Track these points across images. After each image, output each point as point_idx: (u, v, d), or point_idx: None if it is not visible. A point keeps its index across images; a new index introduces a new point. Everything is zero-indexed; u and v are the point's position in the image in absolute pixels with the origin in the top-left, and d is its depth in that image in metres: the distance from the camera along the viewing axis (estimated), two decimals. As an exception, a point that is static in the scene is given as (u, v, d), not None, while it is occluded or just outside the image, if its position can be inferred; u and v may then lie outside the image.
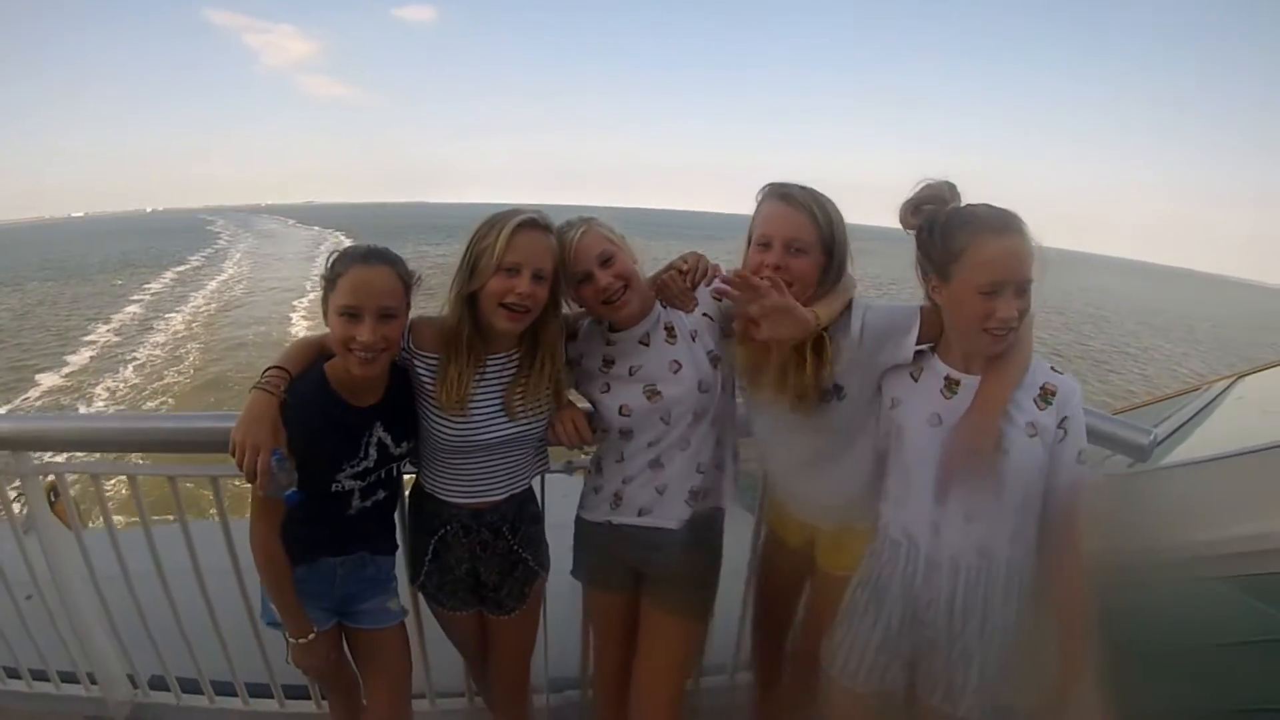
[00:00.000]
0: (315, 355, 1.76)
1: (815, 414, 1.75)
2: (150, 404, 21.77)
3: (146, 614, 2.49)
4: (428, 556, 1.97)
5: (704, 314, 1.91)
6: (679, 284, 1.85)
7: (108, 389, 23.14)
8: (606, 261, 1.77)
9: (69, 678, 2.71)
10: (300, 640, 1.80)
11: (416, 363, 1.83)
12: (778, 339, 1.60)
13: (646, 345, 1.88)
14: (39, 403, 22.03)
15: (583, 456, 2.14)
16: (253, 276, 51.03)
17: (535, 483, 2.12)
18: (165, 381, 23.81)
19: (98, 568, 2.45)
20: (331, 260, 1.68)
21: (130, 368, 25.49)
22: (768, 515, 2.25)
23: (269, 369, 1.69)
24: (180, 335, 30.67)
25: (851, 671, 1.71)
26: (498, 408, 1.84)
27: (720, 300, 1.88)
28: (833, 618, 1.86)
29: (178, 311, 36.33)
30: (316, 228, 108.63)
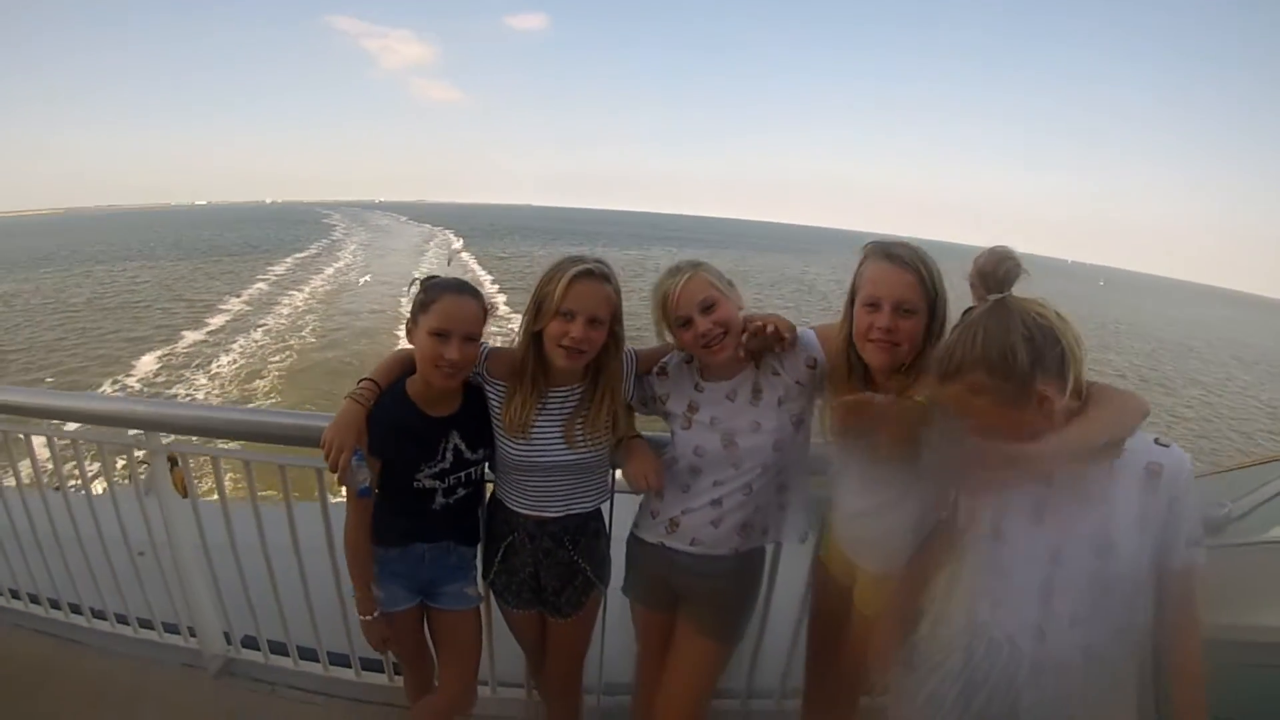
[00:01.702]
0: (403, 370, 1.94)
1: (893, 466, 1.75)
2: (275, 360, 24.75)
3: (247, 580, 2.73)
4: (498, 557, 2.11)
5: (796, 381, 1.95)
6: (765, 343, 1.90)
7: (240, 347, 26.40)
8: (709, 308, 1.83)
9: (171, 629, 2.98)
10: (364, 617, 2.00)
11: (488, 388, 1.99)
12: (893, 433, 1.66)
13: (732, 401, 1.96)
14: (185, 352, 25.33)
15: None
16: (366, 266, 54.18)
17: (605, 509, 2.22)
18: (289, 343, 27.09)
19: (207, 535, 2.74)
20: (425, 287, 1.85)
21: (259, 331, 28.98)
22: (823, 551, 2.22)
23: (362, 380, 1.89)
24: (300, 310, 34.21)
25: None
26: (558, 435, 1.95)
27: (814, 368, 1.93)
28: (863, 653, 1.88)
29: (298, 290, 40.00)
30: (427, 225, 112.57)
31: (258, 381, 22.62)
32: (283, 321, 31.16)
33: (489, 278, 48.61)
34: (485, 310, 1.89)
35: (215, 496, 2.67)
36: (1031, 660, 1.46)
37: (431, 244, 75.80)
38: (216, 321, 30.49)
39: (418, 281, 1.89)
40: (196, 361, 24.38)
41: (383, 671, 2.81)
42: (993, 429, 1.37)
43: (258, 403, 20.52)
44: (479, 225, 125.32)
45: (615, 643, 2.51)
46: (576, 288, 1.77)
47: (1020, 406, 1.34)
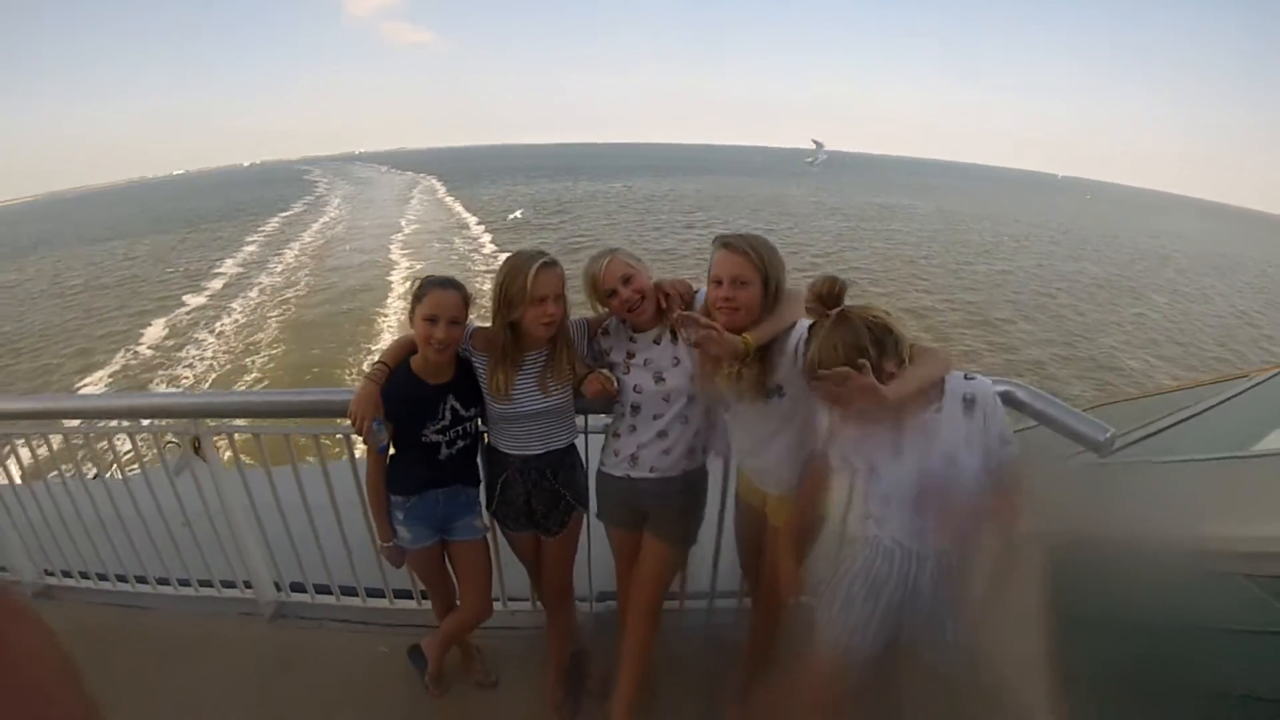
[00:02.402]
0: (406, 351, 2.32)
1: (761, 407, 2.17)
2: (274, 315, 26.14)
3: (292, 534, 3.13)
4: (496, 492, 2.51)
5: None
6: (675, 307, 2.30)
7: (239, 306, 27.78)
8: (627, 280, 2.24)
9: (228, 584, 3.39)
10: (384, 544, 2.48)
11: (474, 360, 2.36)
12: (717, 356, 2.05)
13: (658, 344, 2.35)
14: (188, 317, 26.72)
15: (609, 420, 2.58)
16: (352, 218, 55.27)
17: (579, 442, 2.60)
18: (286, 297, 28.58)
19: (252, 499, 3.13)
20: (419, 284, 2.23)
21: (255, 290, 30.36)
22: (737, 479, 2.65)
23: (376, 362, 2.30)
24: (292, 266, 35.42)
25: (849, 641, 1.99)
26: (534, 387, 2.34)
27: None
28: (774, 548, 2.33)
29: (289, 248, 40.99)
30: (409, 172, 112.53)
31: (259, 335, 23.87)
32: (277, 279, 32.39)
33: (474, 219, 49.39)
34: (467, 298, 2.26)
35: (257, 466, 3.12)
36: (917, 553, 1.89)
37: (415, 191, 76.18)
38: (215, 285, 31.73)
39: (417, 281, 2.26)
40: (201, 323, 25.64)
41: (412, 599, 3.24)
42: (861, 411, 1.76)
43: (264, 354, 21.90)
44: (463, 169, 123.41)
45: (604, 560, 2.81)
46: (541, 278, 2.16)
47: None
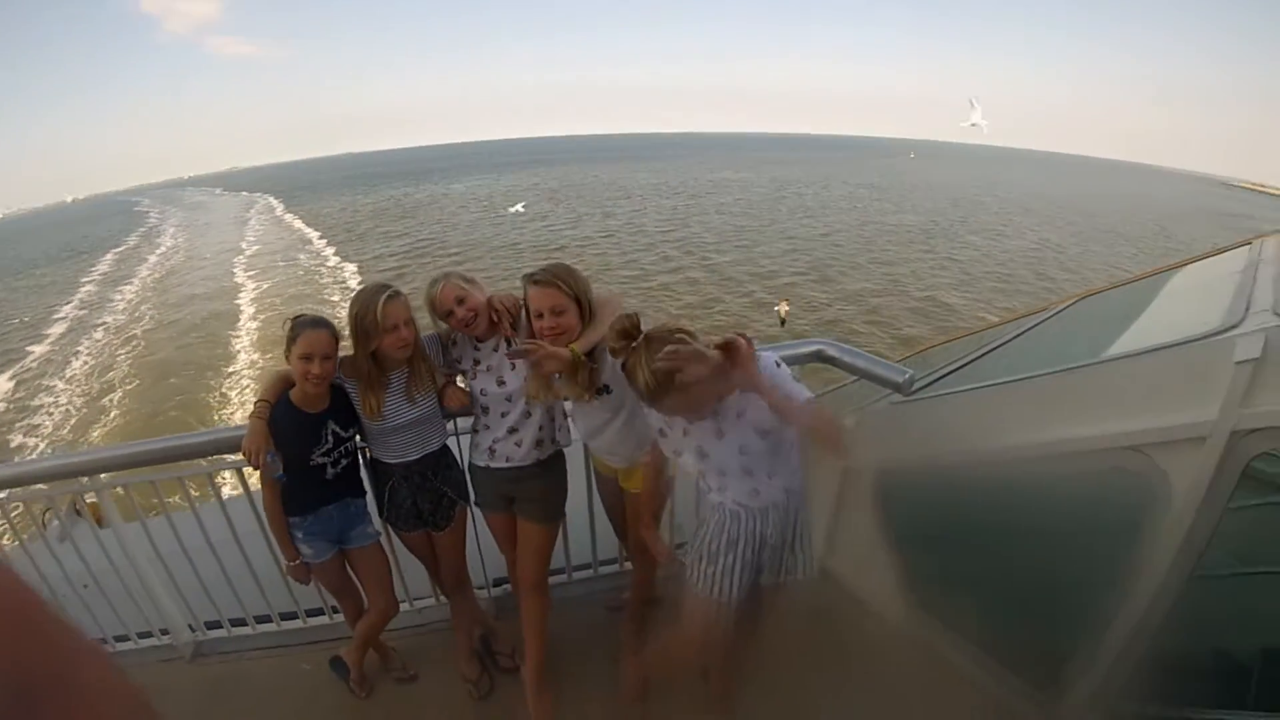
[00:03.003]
0: (283, 386, 2.50)
1: (596, 402, 2.50)
2: (123, 353, 26.19)
3: (199, 573, 3.21)
4: (385, 499, 2.75)
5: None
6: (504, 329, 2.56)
7: (86, 348, 27.61)
8: (461, 301, 2.46)
9: (144, 635, 3.37)
10: (290, 563, 2.65)
11: (346, 385, 2.56)
12: (551, 370, 2.36)
13: (497, 351, 2.61)
14: (34, 366, 26.39)
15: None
16: (190, 246, 54.24)
17: (451, 442, 2.84)
18: (133, 334, 28.55)
19: (159, 547, 3.18)
20: (292, 325, 2.42)
21: (99, 330, 30.12)
22: (593, 458, 2.97)
23: (258, 401, 2.48)
24: (134, 301, 35.08)
25: (716, 589, 2.23)
26: (403, 400, 2.58)
27: None
28: (635, 518, 2.73)
29: (128, 283, 40.24)
30: (244, 193, 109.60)
31: (112, 374, 23.98)
32: (120, 316, 32.12)
33: (316, 234, 49.55)
34: (336, 335, 2.44)
35: (151, 514, 3.29)
36: (757, 510, 2.16)
37: (252, 211, 74.54)
38: (56, 330, 31.25)
39: (289, 322, 2.44)
40: (49, 371, 25.48)
41: (324, 614, 3.35)
42: (694, 401, 1.96)
43: (119, 391, 22.19)
44: (301, 184, 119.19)
45: (493, 549, 3.08)
46: (388, 309, 2.37)
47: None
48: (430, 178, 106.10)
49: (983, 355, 3.52)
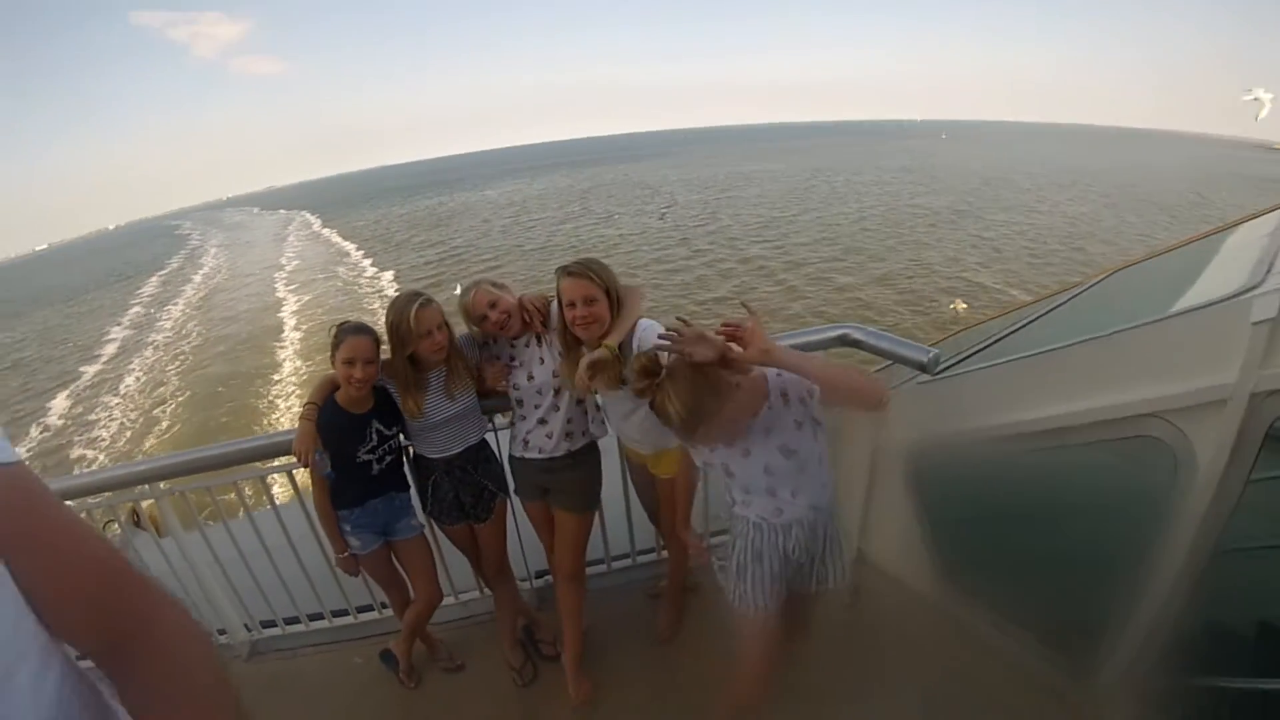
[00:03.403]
0: (330, 389, 2.62)
1: (622, 392, 2.55)
2: (173, 368, 27.02)
3: (254, 575, 3.34)
4: (429, 494, 2.86)
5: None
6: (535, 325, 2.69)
7: (137, 366, 28.52)
8: (493, 305, 2.59)
9: None
10: (340, 555, 2.77)
11: (389, 387, 2.69)
12: (594, 363, 2.41)
13: (529, 348, 2.74)
14: (90, 385, 27.28)
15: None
16: (232, 264, 55.45)
17: (490, 437, 2.95)
18: (181, 350, 29.46)
19: (217, 552, 3.30)
20: (336, 333, 2.55)
21: (149, 349, 31.04)
22: (624, 447, 3.03)
23: (306, 403, 2.60)
24: (180, 320, 36.06)
25: (751, 602, 2.23)
26: (443, 398, 2.70)
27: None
28: (667, 503, 2.83)
29: (174, 304, 41.33)
30: (282, 210, 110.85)
31: (163, 388, 24.73)
32: (168, 334, 33.00)
33: (353, 246, 50.27)
34: (378, 340, 2.55)
35: (208, 521, 3.37)
36: (780, 526, 2.16)
37: (290, 228, 75.56)
38: (108, 350, 32.21)
39: (333, 329, 2.55)
40: (104, 388, 26.30)
41: (374, 610, 3.48)
42: (727, 427, 1.99)
43: (171, 403, 22.94)
44: (335, 199, 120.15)
45: (534, 542, 3.14)
46: (421, 316, 2.50)
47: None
48: (463, 185, 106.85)
49: (1013, 332, 3.50)
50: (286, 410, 20.78)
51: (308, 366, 24.22)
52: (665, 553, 3.50)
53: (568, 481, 2.86)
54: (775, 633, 2.30)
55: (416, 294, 2.59)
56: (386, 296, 32.47)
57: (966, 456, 2.82)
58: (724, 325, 1.95)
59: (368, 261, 42.88)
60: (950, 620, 2.84)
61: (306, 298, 35.34)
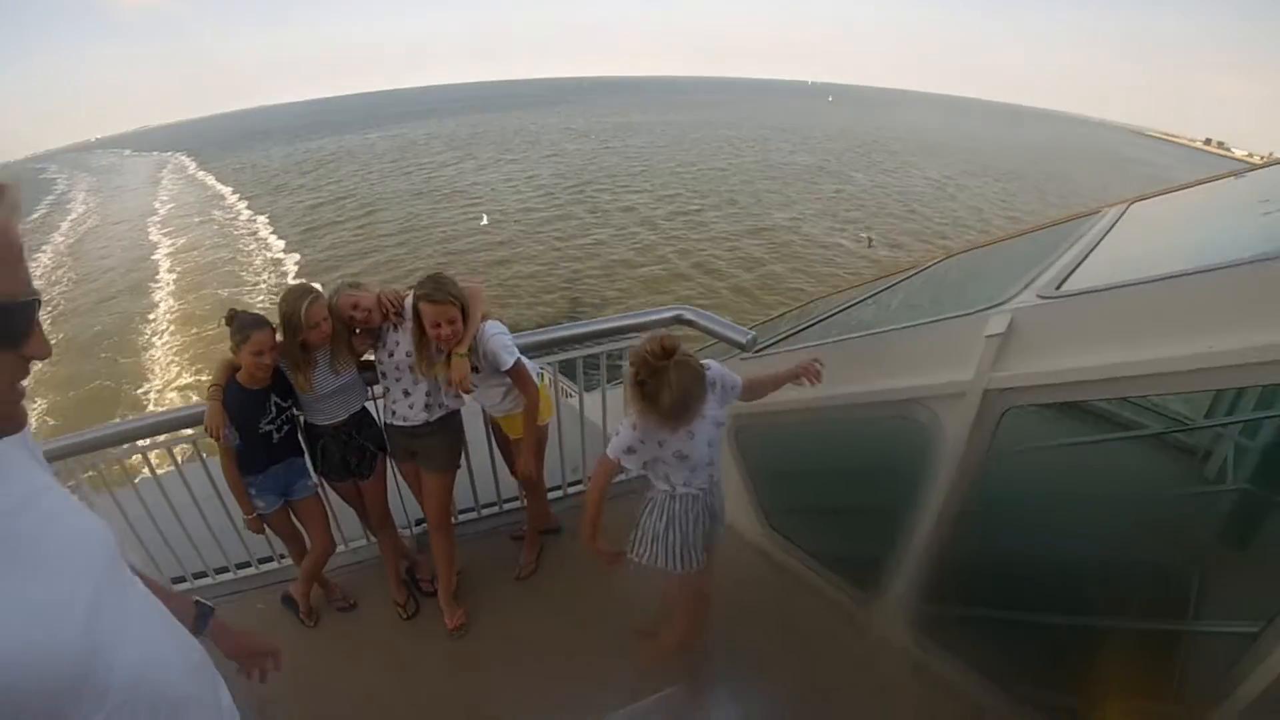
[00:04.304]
0: (230, 370, 2.85)
1: (480, 375, 3.04)
2: (45, 318, 26.42)
3: (164, 535, 3.47)
4: (319, 456, 3.17)
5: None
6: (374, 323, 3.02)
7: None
8: (355, 306, 2.93)
9: None
10: (248, 517, 3.04)
11: (282, 365, 2.93)
12: (461, 379, 2.87)
13: (389, 331, 3.08)
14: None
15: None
16: (103, 211, 53.57)
17: (370, 406, 3.28)
18: (50, 298, 29.81)
19: (128, 514, 3.42)
20: (238, 327, 2.74)
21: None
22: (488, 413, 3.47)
23: (211, 385, 2.84)
24: (50, 267, 35.79)
25: (656, 557, 2.47)
26: (329, 373, 3.00)
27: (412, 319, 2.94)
28: (516, 455, 3.34)
29: (42, 251, 40.31)
30: (156, 153, 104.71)
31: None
32: (38, 283, 32.36)
33: (229, 190, 49.82)
34: (274, 330, 2.83)
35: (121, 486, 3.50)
36: (707, 491, 2.47)
37: (165, 172, 72.79)
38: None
39: (232, 318, 2.80)
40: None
41: (273, 560, 3.75)
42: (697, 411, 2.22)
43: (41, 365, 23.16)
44: (213, 140, 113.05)
45: (410, 494, 3.54)
46: (311, 311, 2.80)
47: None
48: (348, 128, 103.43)
49: (830, 317, 4.22)
50: (163, 347, 22.12)
51: (181, 306, 25.44)
52: (526, 501, 3.91)
53: (431, 446, 3.23)
54: (698, 587, 2.62)
55: (308, 290, 2.90)
56: (262, 240, 33.84)
57: (779, 425, 3.26)
58: (802, 368, 2.46)
59: (243, 205, 43.00)
60: (767, 556, 3.42)
61: (181, 241, 35.61)
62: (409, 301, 2.94)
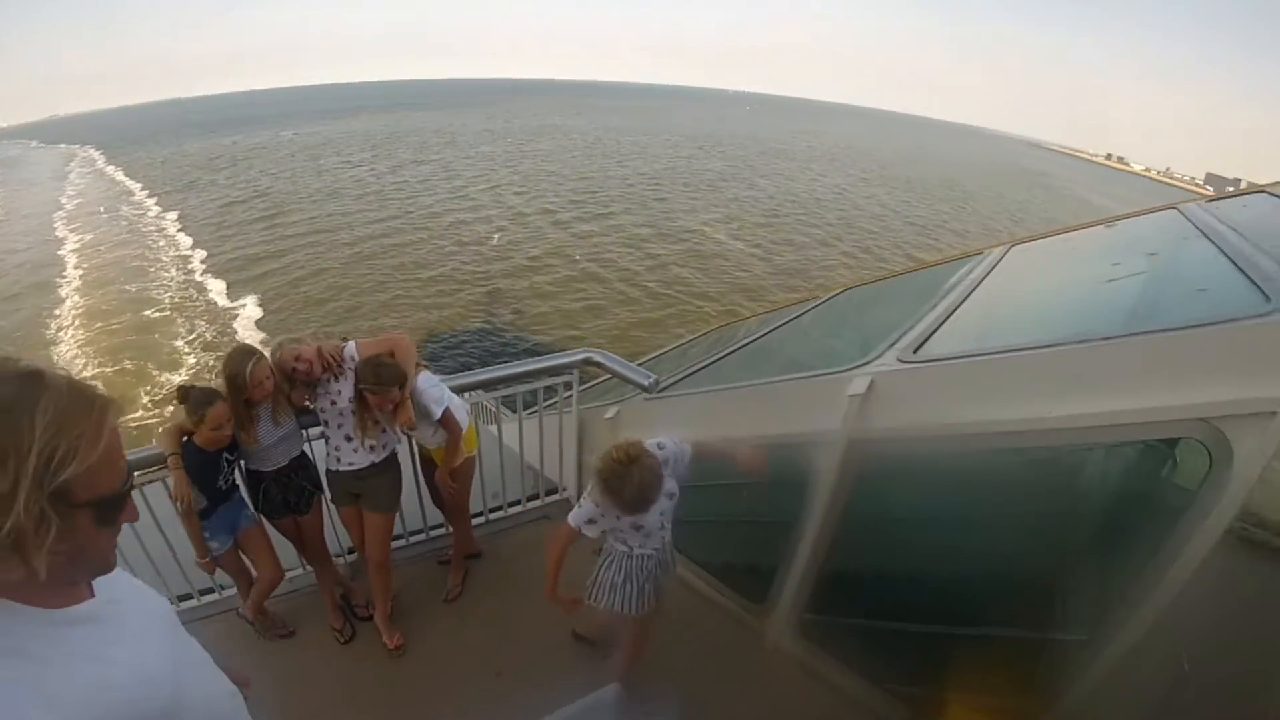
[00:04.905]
0: (180, 435, 2.96)
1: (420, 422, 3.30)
2: None
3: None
4: (260, 497, 3.29)
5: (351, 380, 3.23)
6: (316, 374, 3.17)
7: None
8: (298, 358, 3.08)
9: None
10: (201, 561, 3.16)
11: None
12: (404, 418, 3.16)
13: (332, 383, 3.24)
14: None
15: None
16: (7, 205, 49.70)
17: (306, 447, 3.41)
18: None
19: None
20: (195, 403, 2.89)
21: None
22: (421, 447, 3.67)
23: (169, 455, 2.92)
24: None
25: (612, 604, 2.75)
26: (271, 425, 3.15)
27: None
28: (439, 482, 3.59)
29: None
30: (64, 145, 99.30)
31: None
32: None
33: (139, 186, 48.94)
34: (225, 399, 2.97)
35: None
36: (658, 551, 2.76)
37: (73, 165, 70.41)
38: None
39: (184, 395, 2.95)
40: None
41: (214, 592, 3.86)
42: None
43: None
44: (124, 134, 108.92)
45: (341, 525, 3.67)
46: (255, 372, 2.96)
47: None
48: (264, 124, 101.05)
49: (729, 355, 4.52)
50: (70, 342, 21.84)
51: (87, 302, 25.18)
52: (451, 528, 4.12)
53: (376, 487, 3.41)
54: (648, 623, 2.94)
55: (250, 351, 3.06)
56: (170, 237, 33.41)
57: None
58: (745, 464, 2.75)
59: (152, 201, 42.50)
60: (678, 578, 3.45)
61: (88, 237, 34.92)
62: (349, 350, 3.25)
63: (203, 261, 29.80)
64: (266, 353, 3.15)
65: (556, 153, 60.70)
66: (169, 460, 2.93)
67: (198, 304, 25.22)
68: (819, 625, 3.14)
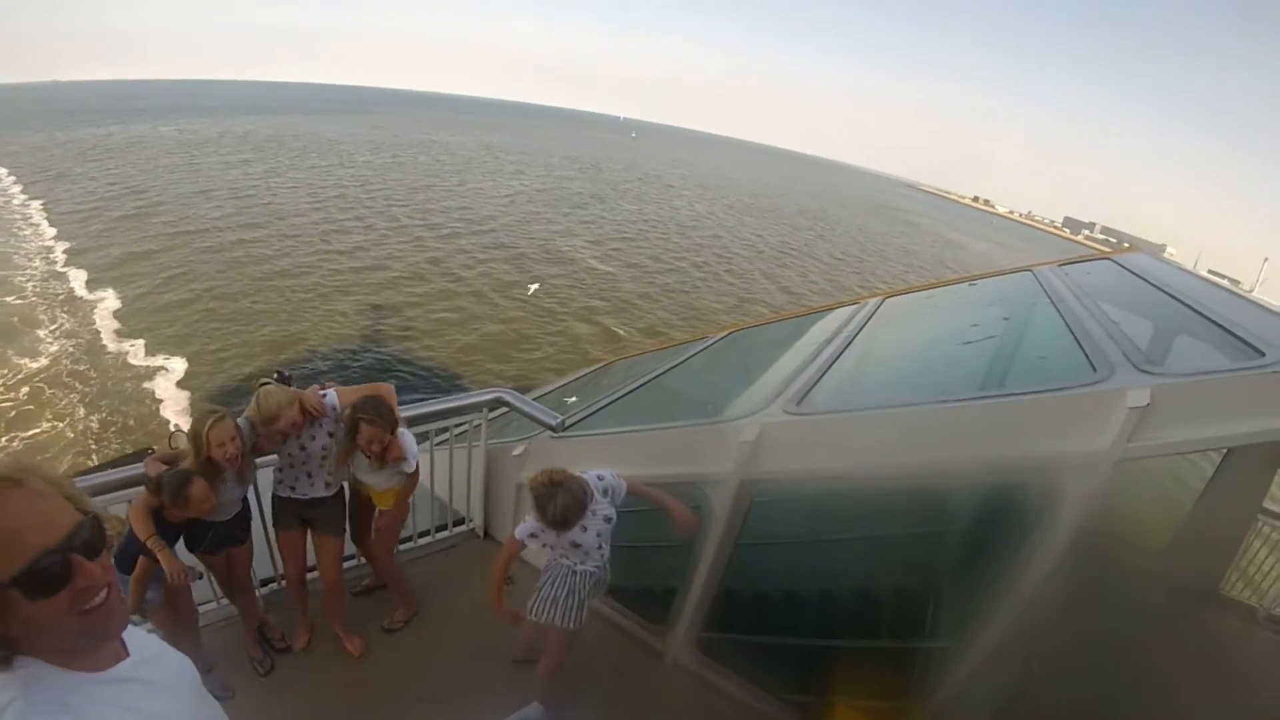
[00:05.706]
0: (151, 511, 2.95)
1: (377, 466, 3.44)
2: None
3: None
4: (206, 539, 3.30)
5: (327, 427, 3.48)
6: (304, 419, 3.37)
7: None
8: (293, 424, 3.26)
9: None
10: (135, 614, 3.05)
11: None
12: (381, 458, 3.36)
13: (308, 427, 3.40)
14: None
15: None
16: None
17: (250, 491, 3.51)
18: None
19: None
20: (171, 490, 2.90)
21: None
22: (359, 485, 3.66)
23: (149, 536, 2.89)
24: None
25: (553, 617, 3.00)
26: (235, 485, 3.25)
27: (334, 411, 3.44)
28: (379, 525, 3.87)
29: None
30: None
31: None
32: None
33: (4, 171, 46.49)
34: (199, 478, 2.97)
35: None
36: (594, 568, 3.04)
37: None
38: None
39: (159, 485, 2.93)
40: None
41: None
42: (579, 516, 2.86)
43: None
44: None
45: (260, 557, 3.74)
46: (214, 432, 2.97)
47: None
48: (144, 117, 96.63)
49: (629, 394, 4.78)
50: None
51: None
52: (371, 561, 4.25)
53: (328, 513, 3.66)
54: (574, 638, 3.21)
55: (212, 410, 3.12)
56: (35, 226, 32.36)
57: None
58: (678, 519, 3.08)
59: (18, 189, 40.82)
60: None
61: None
62: (330, 400, 3.48)
63: (64, 252, 29.22)
64: (266, 405, 3.24)
65: (432, 167, 61.93)
66: (149, 542, 2.92)
67: (59, 294, 24.68)
68: (715, 642, 3.44)
